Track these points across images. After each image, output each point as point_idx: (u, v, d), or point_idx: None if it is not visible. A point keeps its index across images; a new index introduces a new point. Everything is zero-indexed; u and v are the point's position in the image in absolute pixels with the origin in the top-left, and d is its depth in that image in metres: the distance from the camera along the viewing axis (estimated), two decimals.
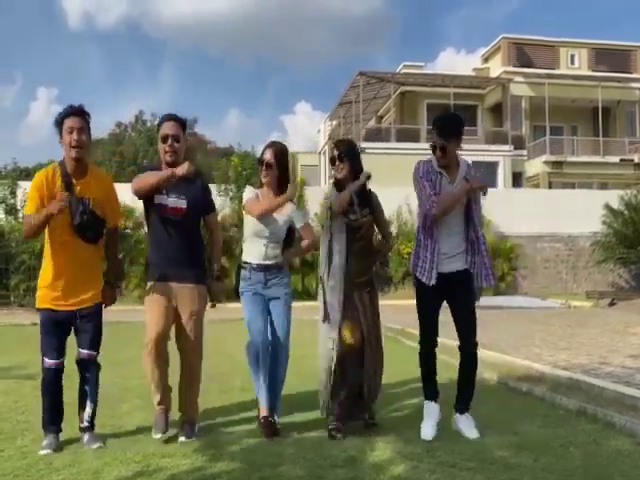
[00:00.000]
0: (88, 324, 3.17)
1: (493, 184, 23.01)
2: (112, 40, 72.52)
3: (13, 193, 15.10)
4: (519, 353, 5.95)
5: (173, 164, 3.28)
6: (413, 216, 15.33)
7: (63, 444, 3.12)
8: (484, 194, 3.19)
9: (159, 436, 3.15)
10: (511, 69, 24.76)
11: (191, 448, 3.02)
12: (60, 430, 3.16)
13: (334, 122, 29.79)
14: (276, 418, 3.37)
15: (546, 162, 23.71)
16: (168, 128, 3.28)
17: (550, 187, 23.01)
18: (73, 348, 3.20)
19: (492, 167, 23.67)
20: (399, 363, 5.44)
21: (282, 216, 3.42)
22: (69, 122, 3.08)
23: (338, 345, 3.25)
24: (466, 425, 3.28)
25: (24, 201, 14.23)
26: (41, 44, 73.78)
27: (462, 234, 3.27)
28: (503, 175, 23.63)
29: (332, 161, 3.39)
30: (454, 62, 48.29)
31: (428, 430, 3.21)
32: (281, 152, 3.44)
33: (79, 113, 3.12)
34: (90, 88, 73.28)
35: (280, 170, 3.43)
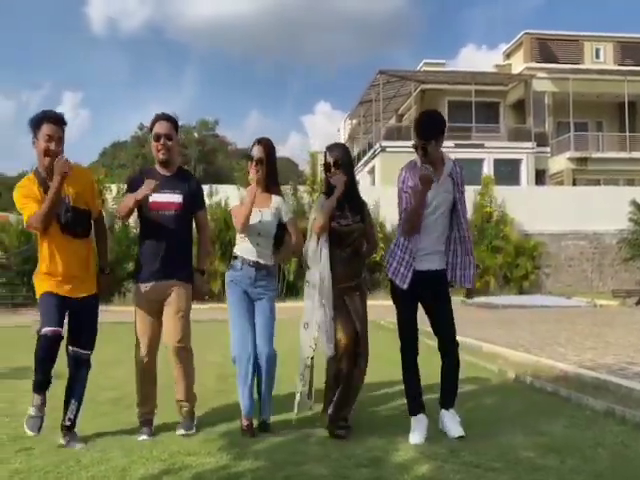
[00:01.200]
0: (84, 318, 3.19)
1: (516, 182, 22.73)
2: (135, 44, 73.88)
3: None
4: (544, 352, 5.88)
5: (166, 162, 3.40)
6: None
7: (90, 442, 3.18)
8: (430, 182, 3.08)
9: (144, 437, 3.27)
10: (534, 65, 24.40)
11: (215, 446, 3.05)
12: (47, 389, 3.16)
13: (354, 121, 29.76)
14: (266, 419, 3.40)
15: (570, 159, 23.31)
16: (160, 127, 3.37)
17: (574, 184, 22.62)
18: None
19: (515, 164, 23.37)
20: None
21: (269, 210, 3.44)
22: (47, 129, 3.06)
23: (335, 349, 3.26)
24: (450, 422, 3.22)
25: None
26: (66, 49, 75.35)
27: (444, 233, 3.24)
28: (526, 172, 23.32)
29: (326, 167, 3.39)
30: (475, 59, 47.87)
31: (417, 437, 3.11)
32: (270, 147, 3.46)
33: (58, 121, 3.11)
34: (114, 91, 74.55)
35: (269, 167, 3.44)
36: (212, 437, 3.24)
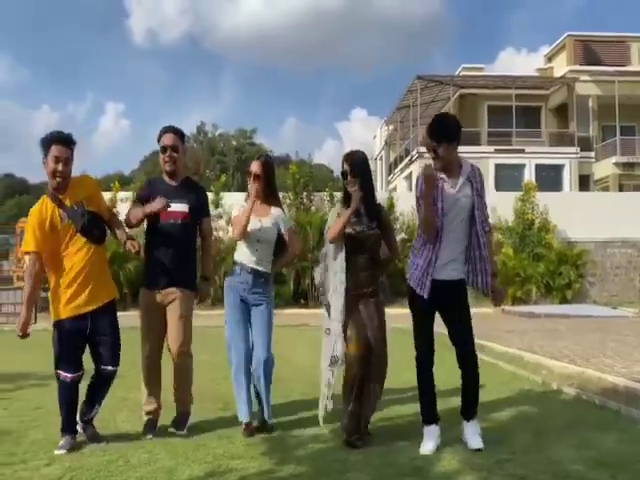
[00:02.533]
0: (104, 331, 3.25)
1: (558, 188, 22.16)
2: (174, 55, 75.69)
3: None
4: (590, 364, 5.70)
5: (172, 173, 3.55)
6: None
7: (137, 443, 3.27)
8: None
9: (149, 437, 3.40)
10: (577, 68, 23.79)
11: (258, 451, 3.09)
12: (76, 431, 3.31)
13: (391, 127, 29.63)
14: (270, 421, 3.49)
15: (616, 164, 22.57)
16: (167, 139, 3.52)
17: (621, 190, 21.88)
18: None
19: (557, 170, 22.79)
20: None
21: (269, 219, 3.56)
22: (56, 151, 3.16)
23: (345, 357, 3.24)
24: (470, 433, 3.15)
25: None
26: (109, 61, 77.93)
27: (464, 241, 3.18)
28: (569, 178, 22.69)
29: (344, 175, 3.41)
30: (514, 62, 47.07)
31: (429, 447, 3.08)
32: (268, 165, 3.59)
33: (67, 142, 3.22)
34: (154, 101, 76.56)
35: (266, 181, 3.55)
36: (255, 441, 3.29)
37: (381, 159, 32.34)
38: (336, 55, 78.72)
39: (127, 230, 3.51)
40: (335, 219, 3.35)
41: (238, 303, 3.52)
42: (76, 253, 3.20)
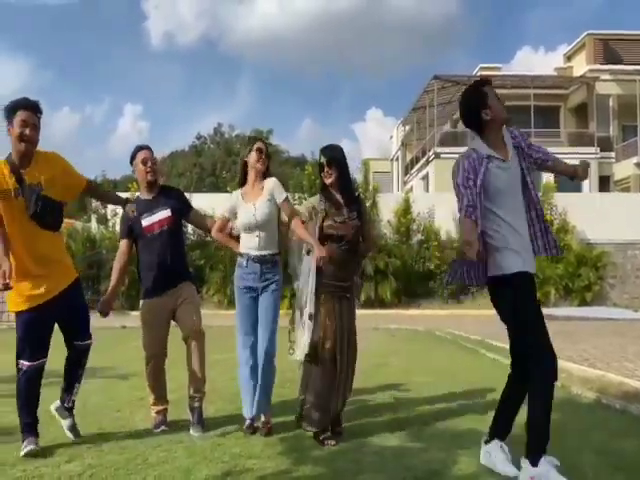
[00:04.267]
0: (73, 312, 3.22)
1: (578, 188, 21.85)
2: (191, 57, 76.24)
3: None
4: (610, 368, 5.62)
5: (154, 182, 3.74)
6: None
7: (155, 440, 3.31)
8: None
9: (160, 429, 3.52)
10: (597, 67, 23.47)
11: (275, 450, 3.10)
12: (37, 432, 3.16)
13: (407, 127, 29.52)
14: (265, 419, 3.49)
15: (637, 164, 22.21)
16: (145, 154, 3.72)
17: None
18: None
19: None
20: (479, 376, 5.30)
21: (264, 197, 3.52)
22: (23, 115, 3.02)
23: (313, 354, 3.28)
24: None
25: (114, 211, 15.25)
26: (127, 63, 78.83)
27: (525, 220, 2.78)
28: (589, 179, 22.36)
29: (321, 167, 3.45)
30: (531, 61, 46.54)
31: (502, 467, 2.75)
32: (265, 144, 3.68)
33: (33, 108, 3.08)
34: (171, 103, 77.31)
35: (267, 161, 3.62)
36: (272, 441, 3.30)
37: (397, 160, 32.23)
38: (351, 56, 78.66)
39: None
40: (308, 210, 3.41)
41: (249, 306, 3.52)
42: (31, 237, 3.07)
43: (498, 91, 3.09)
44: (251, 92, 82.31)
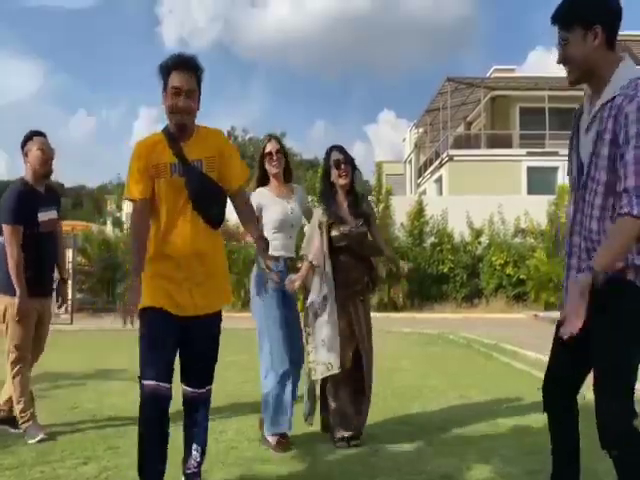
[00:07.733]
0: (200, 346, 2.48)
1: None
2: (205, 62, 76.36)
3: (119, 207, 16.39)
4: None
5: (49, 173, 3.58)
6: (506, 225, 14.75)
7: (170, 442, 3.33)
8: None
9: None
10: None
11: (289, 455, 3.12)
12: None
13: (420, 130, 29.43)
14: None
15: None
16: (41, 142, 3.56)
17: None
18: None
19: None
20: (493, 381, 5.27)
21: (294, 199, 3.39)
22: (176, 80, 2.33)
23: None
24: None
25: (129, 214, 15.39)
26: (142, 67, 79.67)
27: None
28: None
29: (337, 164, 3.34)
30: (544, 62, 46.10)
31: None
32: (281, 142, 3.45)
33: (191, 68, 2.37)
34: None
35: (285, 159, 3.43)
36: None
37: (410, 162, 32.14)
38: (364, 58, 78.79)
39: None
40: (316, 229, 3.32)
41: (283, 320, 3.22)
42: (182, 227, 2.35)
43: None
44: (264, 95, 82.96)
